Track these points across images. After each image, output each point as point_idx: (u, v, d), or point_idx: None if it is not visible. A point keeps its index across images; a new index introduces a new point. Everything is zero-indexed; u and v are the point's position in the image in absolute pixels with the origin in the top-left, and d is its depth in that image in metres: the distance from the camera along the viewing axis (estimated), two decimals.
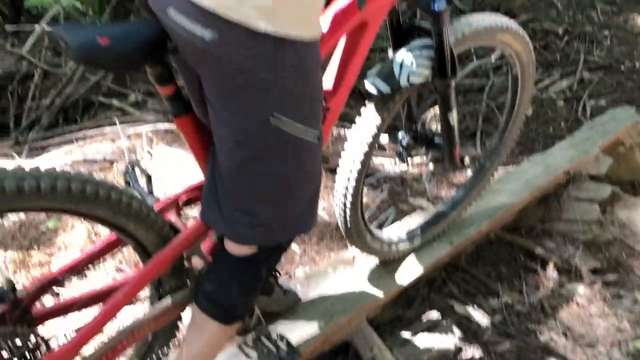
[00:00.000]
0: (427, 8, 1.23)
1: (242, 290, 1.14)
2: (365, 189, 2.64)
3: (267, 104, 0.93)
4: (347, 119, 2.98)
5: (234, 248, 1.12)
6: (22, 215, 2.13)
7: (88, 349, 1.14)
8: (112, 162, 2.32)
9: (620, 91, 4.08)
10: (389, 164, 2.88)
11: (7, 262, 1.89)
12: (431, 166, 2.79)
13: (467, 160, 1.63)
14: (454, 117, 1.46)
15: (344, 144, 1.45)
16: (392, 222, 2.20)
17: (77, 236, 2.04)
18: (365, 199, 2.59)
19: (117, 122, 2.56)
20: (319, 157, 1.06)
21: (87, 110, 3.04)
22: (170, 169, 2.24)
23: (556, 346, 1.75)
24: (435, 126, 1.61)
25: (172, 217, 1.21)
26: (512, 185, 2.09)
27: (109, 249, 1.20)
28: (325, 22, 1.15)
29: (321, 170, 1.09)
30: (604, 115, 2.60)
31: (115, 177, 2.23)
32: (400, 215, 2.37)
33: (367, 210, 2.49)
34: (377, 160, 2.91)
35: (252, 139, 0.96)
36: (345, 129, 2.88)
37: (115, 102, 2.96)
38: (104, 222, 1.11)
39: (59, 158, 2.31)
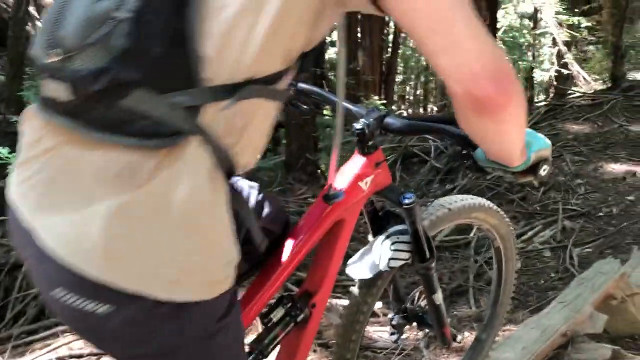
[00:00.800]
0: (397, 202, 1.30)
1: None
2: None
3: None
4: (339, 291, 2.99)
5: None
6: None
7: None
8: (98, 357, 2.25)
9: (603, 237, 4.17)
10: (386, 335, 2.82)
11: None
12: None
13: (459, 337, 1.61)
14: (439, 297, 1.48)
15: (337, 314, 1.44)
16: None
17: None
18: None
19: None
20: None
21: None
22: None
23: None
24: (424, 303, 1.61)
25: None
26: (509, 354, 2.04)
27: None
28: (302, 228, 1.21)
29: None
30: (590, 269, 2.63)
31: None
32: None
33: None
34: (373, 329, 2.85)
35: None
36: (338, 300, 2.87)
37: None
38: None
39: (43, 357, 2.24)
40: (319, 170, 5.21)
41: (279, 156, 5.72)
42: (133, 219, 0.75)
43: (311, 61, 0.92)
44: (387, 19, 12.61)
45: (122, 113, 0.74)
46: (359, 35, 9.66)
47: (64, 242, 0.76)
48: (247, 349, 1.12)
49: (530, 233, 4.31)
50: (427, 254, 1.35)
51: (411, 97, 16.77)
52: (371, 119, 1.25)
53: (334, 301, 2.95)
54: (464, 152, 1.11)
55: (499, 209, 1.65)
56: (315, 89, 1.42)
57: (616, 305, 2.51)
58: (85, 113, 0.75)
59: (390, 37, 11.69)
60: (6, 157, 2.82)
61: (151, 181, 0.75)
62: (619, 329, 2.57)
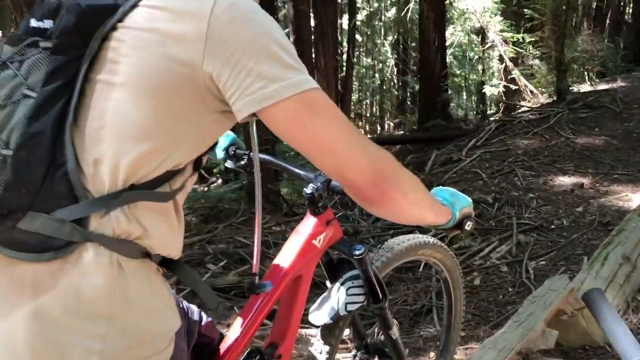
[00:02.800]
0: (348, 254, 1.43)
1: None
2: None
3: None
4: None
5: None
6: None
7: None
8: None
9: (556, 250, 4.37)
10: None
11: None
12: None
13: None
14: (395, 332, 1.60)
15: (306, 344, 1.55)
16: None
17: None
18: None
19: None
20: None
21: None
22: None
23: None
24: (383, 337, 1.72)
25: None
26: None
27: None
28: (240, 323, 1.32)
29: None
30: (541, 287, 2.79)
31: None
32: None
33: None
34: (343, 356, 2.95)
35: None
36: (307, 330, 2.95)
37: None
38: None
39: None
40: (281, 198, 5.29)
41: (242, 184, 5.78)
42: (49, 319, 0.85)
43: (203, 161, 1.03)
44: (340, 39, 12.84)
45: (20, 234, 0.85)
46: (313, 56, 9.86)
47: (2, 344, 0.87)
48: None
49: (487, 249, 4.49)
50: (380, 295, 1.47)
51: (368, 114, 17.07)
52: (319, 183, 1.39)
53: (304, 331, 3.03)
54: None
55: (442, 244, 1.79)
56: (272, 159, 1.56)
57: (567, 320, 2.67)
58: None
59: (344, 57, 11.92)
60: None
61: (55, 286, 0.85)
62: (571, 341, 2.74)
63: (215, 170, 6.76)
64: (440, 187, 1.26)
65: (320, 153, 0.91)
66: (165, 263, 0.98)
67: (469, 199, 1.27)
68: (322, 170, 0.95)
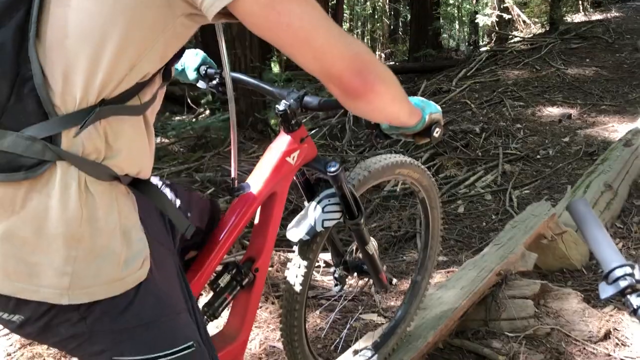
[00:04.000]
0: (323, 171, 1.44)
1: None
2: (317, 312, 2.73)
3: (100, 353, 0.95)
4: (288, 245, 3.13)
5: None
6: None
7: None
8: None
9: (540, 179, 4.43)
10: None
11: None
12: None
13: (394, 280, 1.78)
14: (371, 248, 1.63)
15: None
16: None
17: None
18: (317, 320, 2.68)
19: None
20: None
21: None
22: None
23: None
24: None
25: None
26: (450, 293, 2.23)
27: None
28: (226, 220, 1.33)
29: None
30: (523, 212, 2.84)
31: None
32: (352, 332, 2.47)
33: (319, 330, 2.57)
34: (327, 279, 3.02)
35: None
36: (288, 255, 3.01)
37: None
38: None
39: None
40: (269, 128, 5.27)
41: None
42: (18, 240, 0.85)
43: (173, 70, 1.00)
44: None
45: None
46: None
47: None
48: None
49: (472, 178, 4.54)
50: (356, 212, 1.49)
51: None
52: (292, 100, 1.37)
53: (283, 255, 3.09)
54: (372, 123, 1.27)
55: (419, 164, 1.80)
56: (244, 77, 1.53)
57: (547, 244, 2.74)
58: None
59: None
60: None
61: (25, 207, 0.84)
62: (550, 264, 2.82)
63: (203, 102, 6.68)
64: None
65: (299, 45, 0.88)
66: (135, 184, 0.97)
67: (439, 107, 1.26)
68: (304, 67, 0.92)
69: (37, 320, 0.90)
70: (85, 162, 0.86)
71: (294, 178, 1.51)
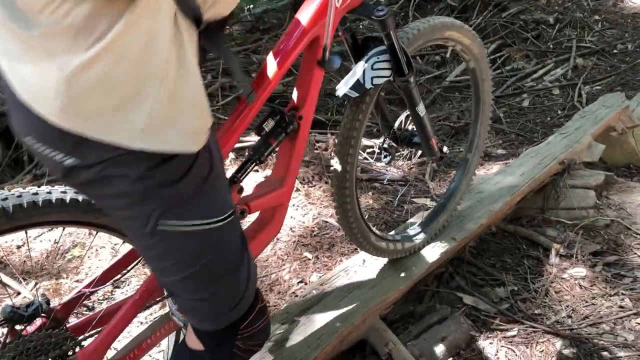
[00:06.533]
0: (371, 16, 1.36)
1: None
2: (370, 193, 2.75)
3: (150, 214, 0.90)
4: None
5: (189, 340, 1.16)
6: (47, 245, 2.25)
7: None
8: None
9: (615, 75, 4.16)
10: (393, 168, 2.99)
11: (39, 291, 2.01)
12: (434, 165, 2.89)
13: (445, 149, 1.74)
14: (422, 110, 1.57)
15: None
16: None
17: (102, 260, 2.16)
18: (370, 201, 2.70)
19: None
20: (234, 233, 1.05)
21: None
22: None
23: (562, 328, 1.84)
24: (412, 126, 1.72)
25: None
26: (510, 178, 2.19)
27: (130, 260, 1.31)
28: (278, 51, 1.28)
29: (245, 244, 1.10)
30: (595, 103, 2.69)
31: None
32: (404, 214, 2.49)
33: (372, 210, 2.60)
34: (380, 165, 3.02)
35: (154, 250, 0.96)
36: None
37: None
38: (115, 231, 1.23)
39: None
40: None
41: None
42: (96, 69, 0.75)
43: None
44: None
45: None
46: None
47: (27, 88, 0.78)
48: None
49: (541, 72, 4.30)
50: (406, 69, 1.44)
51: None
52: None
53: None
54: None
55: (471, 29, 1.69)
56: None
57: (616, 137, 2.62)
58: None
59: None
60: None
61: (109, 32, 0.74)
62: (617, 159, 2.71)
63: None
64: None
65: None
66: (204, 34, 0.91)
67: None
68: None
69: (93, 167, 0.82)
70: None
71: (343, 40, 1.45)
